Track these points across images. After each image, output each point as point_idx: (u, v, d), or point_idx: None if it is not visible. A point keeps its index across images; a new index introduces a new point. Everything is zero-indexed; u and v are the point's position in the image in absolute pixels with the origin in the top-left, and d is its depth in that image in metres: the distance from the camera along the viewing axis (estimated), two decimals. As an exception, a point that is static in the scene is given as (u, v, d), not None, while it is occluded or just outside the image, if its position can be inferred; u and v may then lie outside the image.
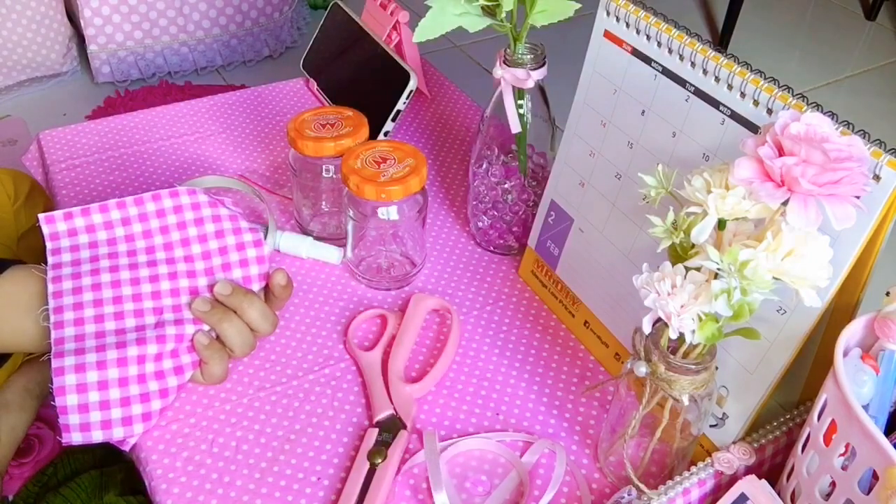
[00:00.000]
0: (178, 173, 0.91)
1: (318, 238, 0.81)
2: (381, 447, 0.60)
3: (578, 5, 0.65)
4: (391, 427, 0.63)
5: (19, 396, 0.93)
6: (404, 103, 0.86)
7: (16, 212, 0.91)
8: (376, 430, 0.62)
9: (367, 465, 0.59)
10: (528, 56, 0.69)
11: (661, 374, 0.52)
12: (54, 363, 0.59)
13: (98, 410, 0.59)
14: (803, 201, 0.43)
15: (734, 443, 0.57)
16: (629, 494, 0.56)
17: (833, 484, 0.48)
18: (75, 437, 0.59)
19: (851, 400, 0.44)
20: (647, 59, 0.61)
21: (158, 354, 0.61)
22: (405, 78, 0.86)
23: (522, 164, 0.75)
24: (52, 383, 0.59)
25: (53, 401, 0.59)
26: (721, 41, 1.93)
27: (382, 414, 0.64)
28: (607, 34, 0.65)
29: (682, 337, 0.49)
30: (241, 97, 1.05)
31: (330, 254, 0.79)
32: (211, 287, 0.66)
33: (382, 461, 0.59)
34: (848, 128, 0.48)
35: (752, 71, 0.54)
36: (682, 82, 0.59)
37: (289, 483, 0.60)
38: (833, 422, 0.47)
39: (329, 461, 0.62)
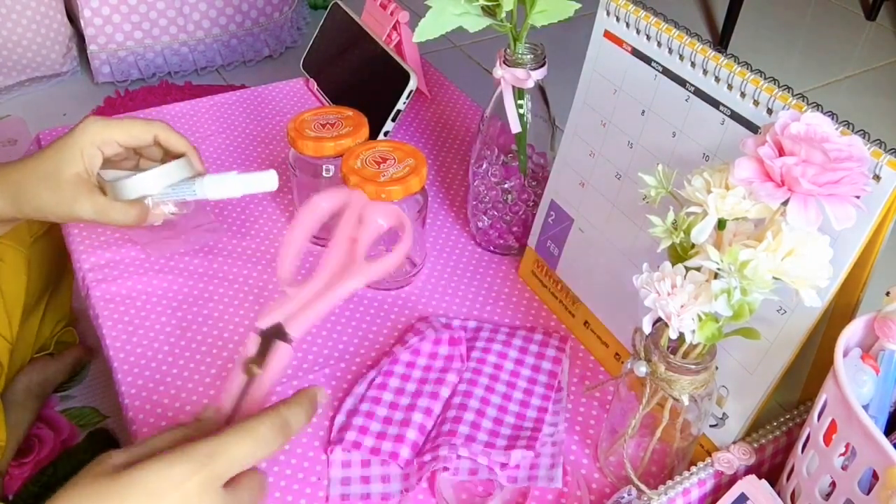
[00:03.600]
0: (178, 173, 0.91)
1: (317, 238, 0.81)
2: (261, 357, 0.53)
3: (578, 5, 0.65)
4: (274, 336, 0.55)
5: (22, 396, 0.93)
6: (404, 103, 0.86)
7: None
8: (258, 339, 0.55)
9: (242, 375, 0.53)
10: (528, 56, 0.69)
11: (661, 374, 0.52)
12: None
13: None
14: (803, 201, 0.43)
15: (734, 443, 0.57)
16: (629, 494, 0.56)
17: (833, 484, 0.48)
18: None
19: (851, 400, 0.44)
20: (647, 59, 0.61)
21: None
22: (405, 78, 0.86)
23: (522, 164, 0.75)
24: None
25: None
26: (721, 41, 1.93)
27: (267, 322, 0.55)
28: (607, 34, 0.65)
29: (682, 337, 0.49)
30: (241, 97, 1.05)
31: (264, 181, 0.68)
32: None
33: (260, 370, 0.53)
34: (848, 128, 0.48)
35: (752, 71, 0.54)
36: (682, 82, 0.59)
37: (289, 483, 0.60)
38: (833, 422, 0.47)
39: (329, 461, 0.62)
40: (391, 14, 0.98)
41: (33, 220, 0.91)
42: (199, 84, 1.77)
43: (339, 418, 0.64)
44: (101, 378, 1.04)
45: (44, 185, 0.64)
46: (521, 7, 0.65)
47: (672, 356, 0.51)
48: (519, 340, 0.70)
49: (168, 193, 0.68)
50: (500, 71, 0.70)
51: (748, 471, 0.56)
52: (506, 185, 0.77)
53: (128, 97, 1.72)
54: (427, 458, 0.60)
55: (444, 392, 0.65)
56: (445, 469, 0.59)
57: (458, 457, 0.60)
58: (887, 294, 0.50)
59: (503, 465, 0.60)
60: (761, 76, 0.53)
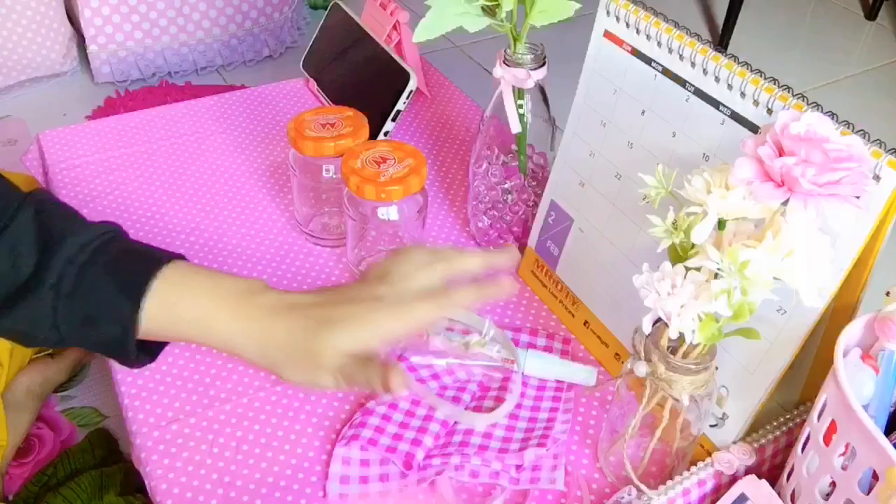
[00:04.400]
0: (178, 173, 0.91)
1: (317, 238, 0.82)
2: None
3: (578, 5, 0.65)
4: None
5: (22, 396, 0.93)
6: (404, 103, 0.86)
7: None
8: None
9: None
10: (528, 56, 0.69)
11: (661, 374, 0.52)
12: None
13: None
14: (803, 201, 0.43)
15: (734, 443, 0.57)
16: (629, 494, 0.56)
17: (833, 484, 0.48)
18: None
19: (851, 400, 0.44)
20: (647, 59, 0.61)
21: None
22: (405, 78, 0.86)
23: (522, 164, 0.75)
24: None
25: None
26: (721, 41, 1.93)
27: None
28: (607, 34, 0.65)
29: (682, 337, 0.49)
30: (241, 97, 1.05)
31: (583, 375, 0.68)
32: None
33: None
34: (848, 128, 0.48)
35: (752, 71, 0.54)
36: (682, 82, 0.59)
37: (289, 483, 0.60)
38: (833, 422, 0.47)
39: (329, 461, 0.62)
40: (391, 14, 0.98)
41: None
42: (199, 84, 1.77)
43: (357, 417, 0.63)
44: (101, 378, 1.04)
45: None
46: (521, 7, 0.65)
47: (672, 356, 0.51)
48: (524, 345, 0.70)
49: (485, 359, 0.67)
50: (500, 71, 0.70)
51: (748, 471, 0.56)
52: (506, 185, 0.77)
53: (128, 97, 1.72)
54: (437, 462, 0.60)
55: (466, 398, 0.66)
56: (458, 470, 0.59)
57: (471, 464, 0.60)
58: (887, 294, 0.50)
59: (518, 468, 0.60)
60: (761, 76, 0.53)
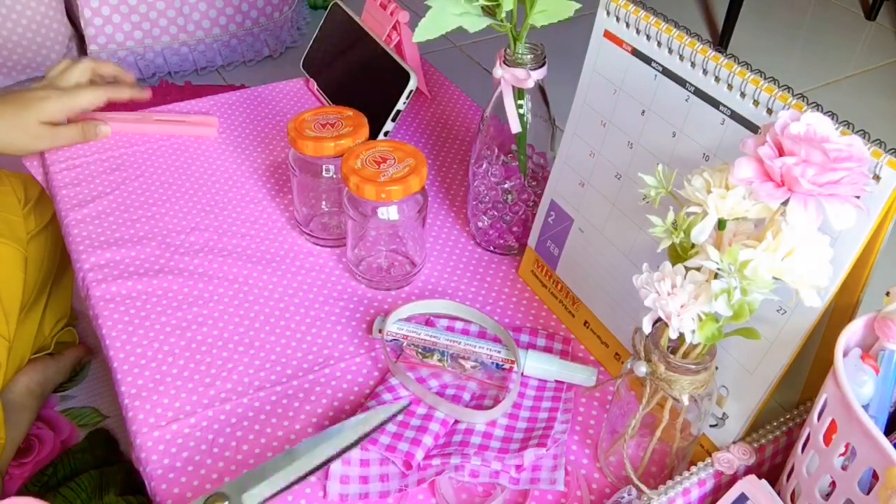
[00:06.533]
0: (177, 173, 0.91)
1: (317, 238, 0.82)
2: None
3: (578, 5, 0.65)
4: None
5: (21, 396, 0.93)
6: (404, 103, 0.86)
7: (25, 215, 0.91)
8: None
9: None
10: (528, 56, 0.69)
11: (661, 374, 0.52)
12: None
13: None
14: (803, 201, 0.43)
15: (734, 443, 0.57)
16: (629, 494, 0.56)
17: (833, 484, 0.48)
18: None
19: (851, 400, 0.44)
20: (647, 59, 0.61)
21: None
22: (405, 78, 0.86)
23: (522, 164, 0.75)
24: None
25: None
26: (721, 41, 1.93)
27: None
28: (607, 34, 0.65)
29: (682, 337, 0.49)
30: (241, 97, 1.05)
31: (582, 376, 0.68)
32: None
33: None
34: (848, 128, 0.48)
35: (752, 71, 0.54)
36: (682, 82, 0.59)
37: (289, 483, 0.60)
38: (833, 422, 0.47)
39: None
40: (391, 14, 0.98)
41: (29, 219, 0.92)
42: (199, 84, 1.77)
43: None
44: (101, 378, 1.04)
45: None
46: (521, 7, 0.65)
47: (672, 356, 0.51)
48: (524, 345, 0.70)
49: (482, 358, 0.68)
50: (500, 71, 0.70)
51: (748, 471, 0.56)
52: (506, 185, 0.77)
53: (128, 97, 1.72)
54: (436, 462, 0.60)
55: (466, 396, 0.66)
56: (458, 470, 0.59)
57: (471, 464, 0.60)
58: (887, 294, 0.50)
59: (518, 468, 0.60)
60: (761, 76, 0.53)
